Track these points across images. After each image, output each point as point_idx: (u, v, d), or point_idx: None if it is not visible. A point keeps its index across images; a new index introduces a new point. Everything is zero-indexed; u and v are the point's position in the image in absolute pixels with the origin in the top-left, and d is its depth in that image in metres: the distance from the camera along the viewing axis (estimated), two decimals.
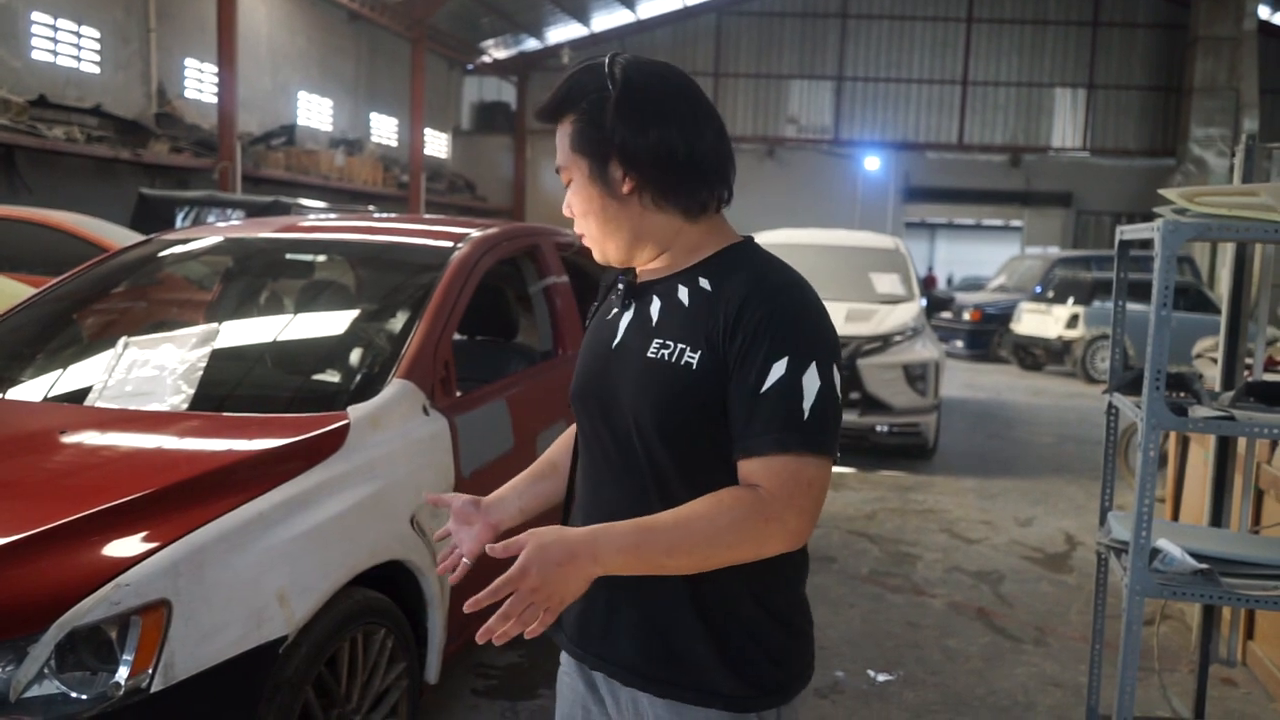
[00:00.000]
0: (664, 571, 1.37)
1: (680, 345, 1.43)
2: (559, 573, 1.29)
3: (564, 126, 1.49)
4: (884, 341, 7.43)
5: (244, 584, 2.15)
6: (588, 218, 1.50)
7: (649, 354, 1.45)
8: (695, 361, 1.41)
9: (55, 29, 14.12)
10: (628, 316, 1.53)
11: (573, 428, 1.74)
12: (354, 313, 3.61)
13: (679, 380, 1.41)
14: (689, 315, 1.45)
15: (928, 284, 27.97)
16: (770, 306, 1.39)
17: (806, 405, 1.35)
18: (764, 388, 1.36)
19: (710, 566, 1.37)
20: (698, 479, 1.42)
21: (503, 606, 1.29)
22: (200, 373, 2.94)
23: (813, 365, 1.37)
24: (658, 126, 1.43)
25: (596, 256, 1.55)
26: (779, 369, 1.36)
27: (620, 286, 1.57)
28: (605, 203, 1.48)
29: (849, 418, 7.32)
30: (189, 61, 16.83)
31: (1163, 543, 2.54)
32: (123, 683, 1.92)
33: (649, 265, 1.53)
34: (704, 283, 1.47)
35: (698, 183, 1.46)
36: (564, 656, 1.65)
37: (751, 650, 1.46)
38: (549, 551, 1.29)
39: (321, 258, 3.91)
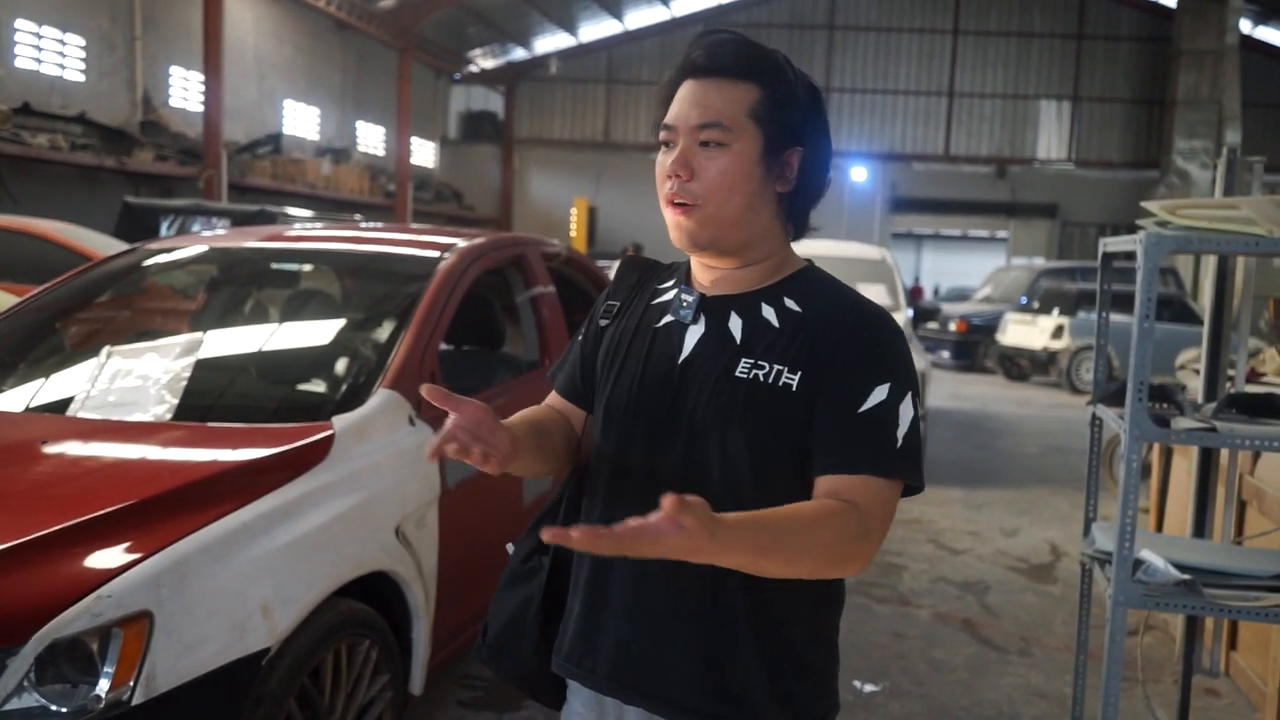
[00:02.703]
0: (757, 571, 1.27)
1: (776, 366, 1.38)
2: (678, 552, 1.16)
3: (734, 87, 1.40)
4: None
5: (227, 595, 2.14)
6: (727, 190, 1.39)
7: (738, 373, 1.39)
8: (795, 383, 1.37)
9: (39, 36, 14.09)
10: (696, 331, 1.45)
11: (540, 408, 1.62)
12: (340, 322, 3.60)
13: (779, 402, 1.37)
14: (781, 335, 1.41)
15: (915, 295, 28.05)
16: (876, 332, 1.40)
17: (901, 433, 1.36)
18: (863, 407, 1.35)
19: (795, 575, 1.31)
20: (777, 500, 1.35)
21: (641, 530, 1.12)
22: (184, 383, 2.93)
23: (909, 396, 1.38)
24: (829, 142, 1.47)
25: (685, 233, 1.41)
26: (880, 393, 1.36)
27: (688, 298, 1.48)
28: (758, 186, 1.41)
29: None
30: (174, 69, 16.79)
31: (1146, 554, 2.55)
32: (104, 695, 1.91)
33: (725, 275, 1.46)
34: (790, 303, 1.43)
35: (815, 208, 1.49)
36: (574, 692, 1.54)
37: (800, 681, 1.43)
38: (693, 535, 1.13)
39: (307, 267, 3.90)
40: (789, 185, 1.44)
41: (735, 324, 1.44)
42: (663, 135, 1.43)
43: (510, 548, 1.66)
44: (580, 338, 1.63)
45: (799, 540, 1.27)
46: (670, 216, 1.42)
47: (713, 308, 1.46)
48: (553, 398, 1.66)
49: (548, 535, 1.13)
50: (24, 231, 7.79)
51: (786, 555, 1.27)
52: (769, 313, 1.43)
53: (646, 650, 1.43)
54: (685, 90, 1.43)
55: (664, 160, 1.43)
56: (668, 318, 1.49)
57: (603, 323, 1.58)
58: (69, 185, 14.12)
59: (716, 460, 1.39)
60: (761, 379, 1.38)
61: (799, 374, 1.38)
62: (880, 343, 1.40)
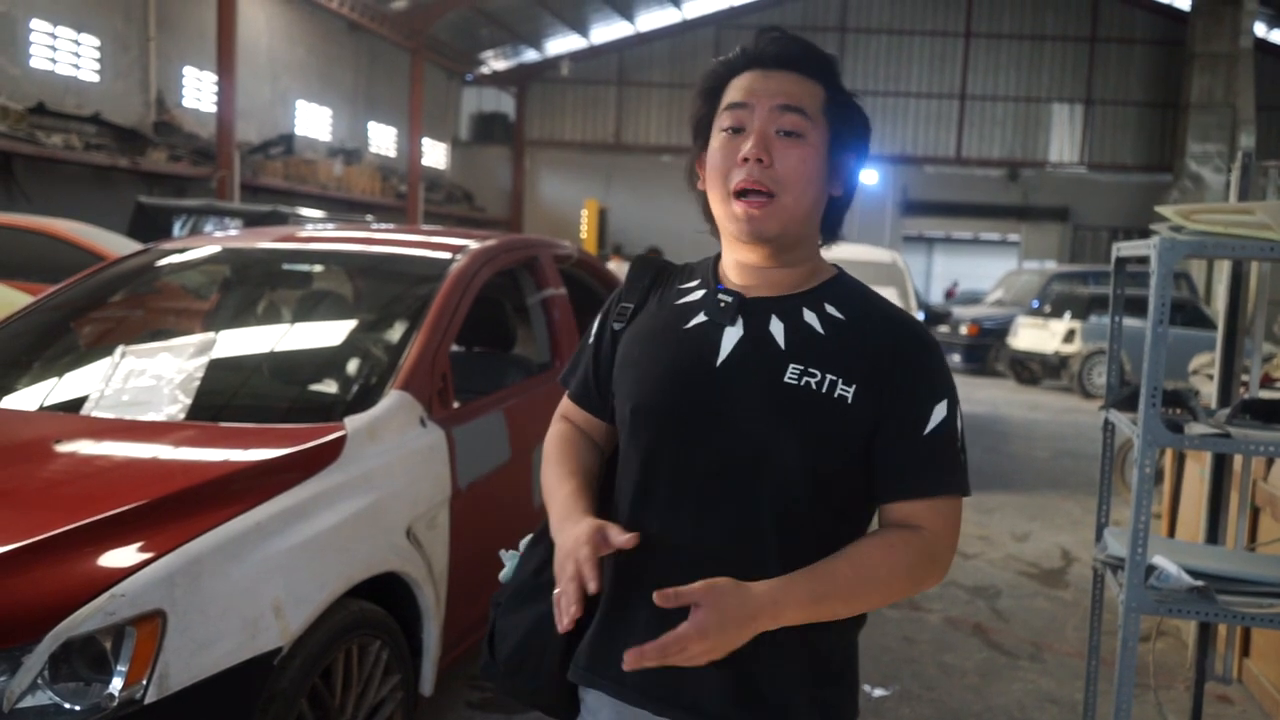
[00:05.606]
0: (830, 618, 1.34)
1: (829, 375, 1.35)
2: (735, 635, 1.25)
3: (807, 81, 1.40)
4: None
5: (239, 595, 2.14)
6: (805, 181, 1.37)
7: (786, 379, 1.35)
8: (850, 395, 1.34)
9: (54, 36, 14.15)
10: (734, 333, 1.40)
11: (557, 434, 1.59)
12: (351, 323, 3.61)
13: (833, 413, 1.34)
14: (829, 344, 1.37)
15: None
16: (925, 348, 1.40)
17: (960, 447, 1.39)
18: (928, 429, 1.36)
19: (873, 608, 1.37)
20: (825, 513, 1.36)
21: (665, 650, 1.24)
22: (197, 382, 2.94)
23: (958, 408, 1.40)
24: (867, 157, 1.47)
25: (755, 223, 1.36)
26: (940, 411, 1.37)
27: (726, 299, 1.42)
28: (821, 183, 1.40)
29: None
30: (188, 70, 16.86)
31: (1159, 559, 2.54)
32: (117, 693, 1.92)
33: (762, 275, 1.42)
34: (832, 310, 1.40)
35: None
36: (593, 705, 1.47)
37: (832, 688, 1.42)
38: (728, 613, 1.24)
39: (319, 268, 3.91)
40: (839, 189, 1.43)
41: (777, 328, 1.39)
42: (730, 119, 1.39)
43: (505, 555, 1.60)
44: (591, 342, 1.58)
45: (855, 585, 1.32)
46: (739, 209, 1.37)
47: (752, 309, 1.41)
48: (569, 408, 1.62)
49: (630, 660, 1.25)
50: (38, 231, 7.83)
51: (844, 599, 1.31)
52: (811, 318, 1.39)
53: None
54: (753, 79, 1.40)
55: (730, 144, 1.38)
56: (698, 318, 1.43)
57: (616, 325, 1.52)
58: (83, 185, 14.18)
59: (766, 464, 1.35)
60: (814, 386, 1.35)
61: (854, 386, 1.35)
62: (931, 359, 1.40)
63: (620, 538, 1.31)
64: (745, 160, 1.36)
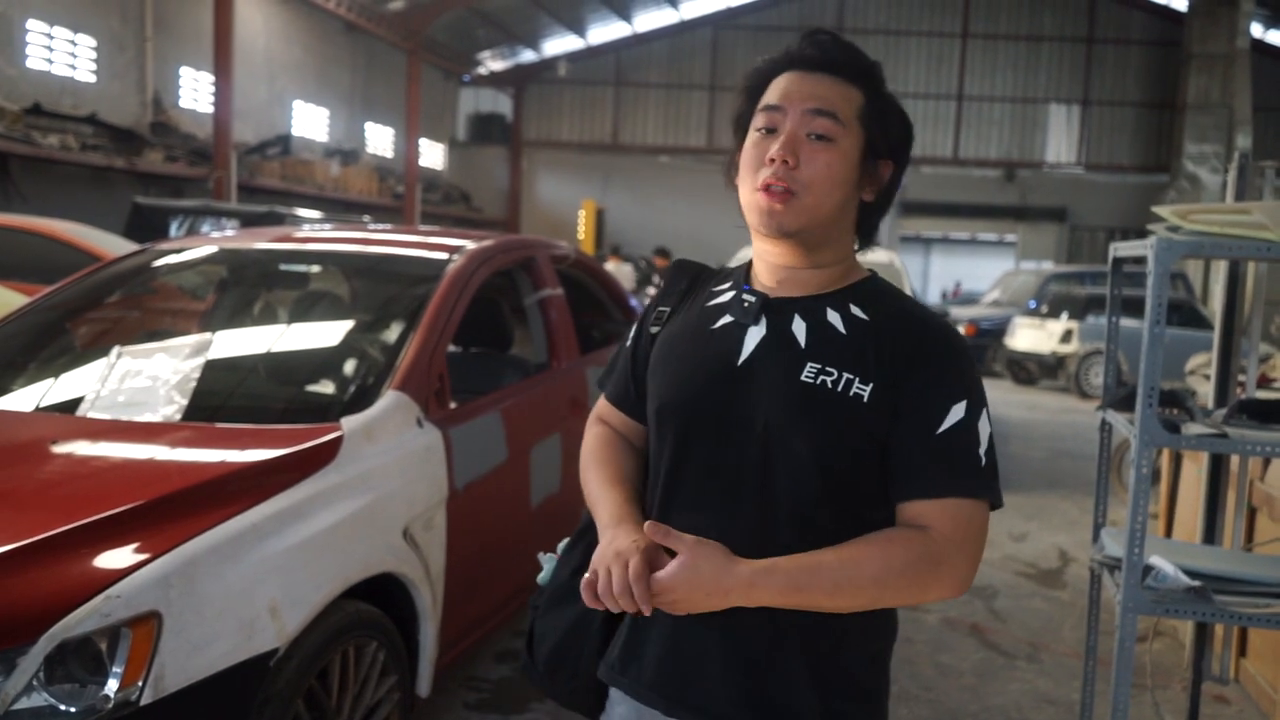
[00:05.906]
0: (815, 608, 1.32)
1: (846, 374, 1.36)
2: (703, 599, 1.27)
3: (844, 85, 1.41)
4: None
5: (235, 596, 2.14)
6: (830, 184, 1.38)
7: (804, 378, 1.36)
8: (867, 394, 1.34)
9: (51, 37, 14.13)
10: (757, 332, 1.41)
11: (596, 436, 1.60)
12: (348, 324, 3.60)
13: (848, 411, 1.34)
14: (849, 344, 1.38)
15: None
16: (947, 347, 1.39)
17: (982, 451, 1.37)
18: (941, 428, 1.34)
19: (868, 607, 1.33)
20: (841, 515, 1.35)
21: (627, 595, 1.26)
22: (194, 383, 2.93)
23: (984, 411, 1.38)
24: (907, 164, 1.47)
25: (776, 219, 1.38)
26: (958, 411, 1.35)
27: (750, 298, 1.44)
28: (852, 189, 1.41)
29: None
30: (185, 70, 16.84)
31: (1156, 559, 2.54)
32: (112, 695, 1.91)
33: (790, 276, 1.44)
34: (856, 310, 1.41)
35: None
36: (615, 701, 1.49)
37: (852, 702, 1.39)
38: (702, 575, 1.26)
39: (316, 268, 3.91)
40: (873, 195, 1.44)
41: (799, 327, 1.40)
42: (764, 119, 1.41)
43: (543, 557, 1.61)
44: (629, 345, 1.60)
45: (839, 576, 1.29)
46: (762, 201, 1.38)
47: (775, 309, 1.42)
48: (606, 411, 1.62)
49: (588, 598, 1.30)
50: (34, 231, 7.82)
51: (826, 590, 1.29)
52: (834, 318, 1.40)
53: (690, 660, 1.39)
54: (790, 80, 1.41)
55: (761, 144, 1.40)
56: (725, 318, 1.45)
57: (654, 330, 1.55)
58: (79, 185, 14.16)
59: (782, 465, 1.36)
60: (830, 385, 1.35)
61: (870, 385, 1.35)
62: (953, 359, 1.39)
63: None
64: (772, 160, 1.38)
